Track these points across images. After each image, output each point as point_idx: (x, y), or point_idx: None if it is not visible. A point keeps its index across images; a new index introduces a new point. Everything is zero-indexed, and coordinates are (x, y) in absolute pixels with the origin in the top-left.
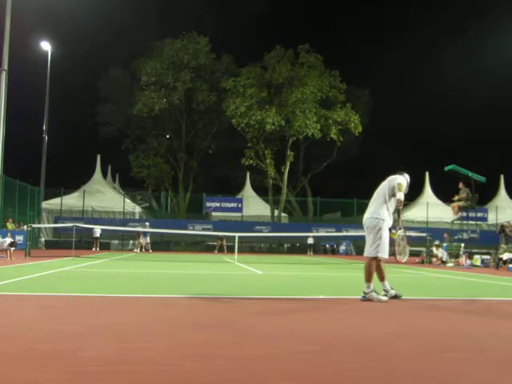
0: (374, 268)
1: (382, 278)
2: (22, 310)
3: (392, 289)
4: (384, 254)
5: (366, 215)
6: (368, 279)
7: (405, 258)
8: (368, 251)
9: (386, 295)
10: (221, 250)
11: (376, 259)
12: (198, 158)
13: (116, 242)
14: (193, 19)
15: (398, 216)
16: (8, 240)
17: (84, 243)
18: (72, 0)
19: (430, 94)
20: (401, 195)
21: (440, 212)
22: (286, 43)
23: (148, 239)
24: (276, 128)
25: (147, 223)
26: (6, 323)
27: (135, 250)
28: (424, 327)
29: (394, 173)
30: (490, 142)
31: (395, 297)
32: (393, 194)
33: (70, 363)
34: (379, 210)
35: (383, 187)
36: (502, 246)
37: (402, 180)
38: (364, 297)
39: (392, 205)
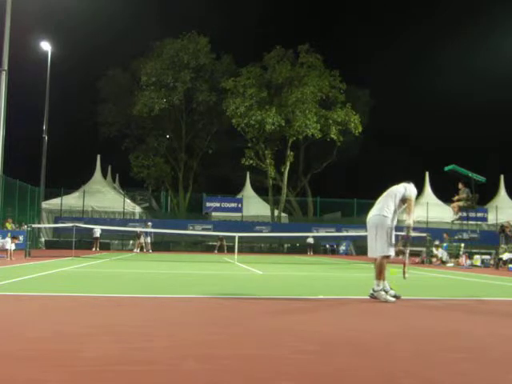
0: (386, 266)
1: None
2: (22, 310)
3: (391, 289)
4: (393, 251)
5: (373, 212)
6: (379, 277)
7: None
8: (379, 250)
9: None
10: (221, 250)
11: (388, 257)
12: (198, 158)
13: (116, 242)
14: (193, 19)
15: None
16: (9, 240)
17: (84, 243)
18: (72, 0)
19: (430, 94)
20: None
21: (440, 212)
22: (285, 43)
23: (149, 239)
24: (276, 128)
25: (150, 223)
26: (6, 323)
27: (135, 251)
28: (424, 327)
29: (407, 182)
30: (490, 142)
31: (394, 297)
32: (403, 201)
33: (70, 363)
34: (387, 208)
35: (396, 190)
36: (502, 246)
37: (415, 192)
38: (372, 294)
39: (399, 208)
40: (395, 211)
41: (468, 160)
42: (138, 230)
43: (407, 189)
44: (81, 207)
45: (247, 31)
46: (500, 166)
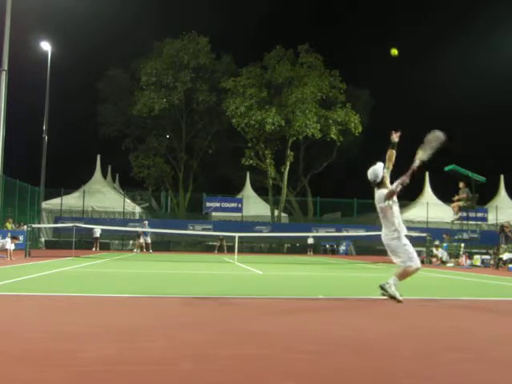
0: (411, 273)
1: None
2: (21, 310)
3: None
4: (417, 262)
5: (384, 236)
6: (400, 278)
7: None
8: (405, 264)
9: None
10: (221, 250)
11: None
12: (198, 158)
13: (116, 242)
14: (193, 19)
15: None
16: (9, 240)
17: (84, 243)
18: (72, 0)
19: (429, 94)
20: (390, 188)
21: (440, 212)
22: (285, 43)
23: (149, 239)
24: (276, 128)
25: (146, 221)
26: (5, 323)
27: (135, 251)
28: (424, 327)
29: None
30: (490, 142)
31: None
32: (388, 203)
33: (69, 363)
34: (389, 229)
35: (378, 203)
36: (502, 246)
37: (380, 170)
38: (384, 285)
39: (396, 211)
40: (396, 220)
41: (468, 160)
42: (139, 229)
43: (376, 174)
44: (81, 207)
45: (247, 31)
46: (500, 166)
